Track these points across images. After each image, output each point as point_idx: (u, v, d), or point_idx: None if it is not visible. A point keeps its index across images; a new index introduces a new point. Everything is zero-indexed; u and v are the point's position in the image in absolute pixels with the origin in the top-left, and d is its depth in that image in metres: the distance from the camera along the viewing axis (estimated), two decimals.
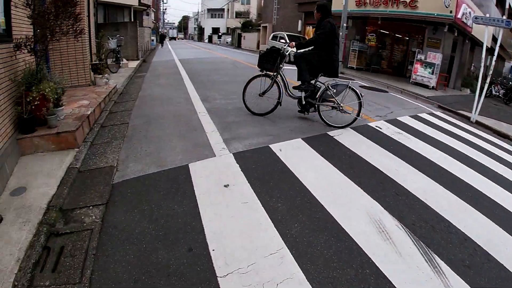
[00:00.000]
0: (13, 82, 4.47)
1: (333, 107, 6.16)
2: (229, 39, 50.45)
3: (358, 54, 18.85)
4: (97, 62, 8.94)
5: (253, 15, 52.10)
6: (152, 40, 33.63)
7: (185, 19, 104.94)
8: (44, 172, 4.01)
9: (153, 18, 57.44)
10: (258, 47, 32.45)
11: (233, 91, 8.55)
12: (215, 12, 69.74)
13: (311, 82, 6.23)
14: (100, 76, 8.64)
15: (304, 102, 6.29)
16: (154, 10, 60.93)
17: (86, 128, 5.40)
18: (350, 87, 5.89)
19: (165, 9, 72.62)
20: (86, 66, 8.29)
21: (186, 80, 10.47)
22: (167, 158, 4.42)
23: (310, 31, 24.12)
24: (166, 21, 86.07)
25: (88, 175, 4.05)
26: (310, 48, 6.37)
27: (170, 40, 74.35)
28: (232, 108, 7.00)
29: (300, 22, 24.70)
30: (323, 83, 6.05)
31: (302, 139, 5.32)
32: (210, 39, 62.33)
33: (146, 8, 30.93)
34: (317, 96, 6.15)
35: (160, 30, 55.48)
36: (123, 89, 9.07)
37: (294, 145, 5.08)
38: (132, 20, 26.99)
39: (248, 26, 40.08)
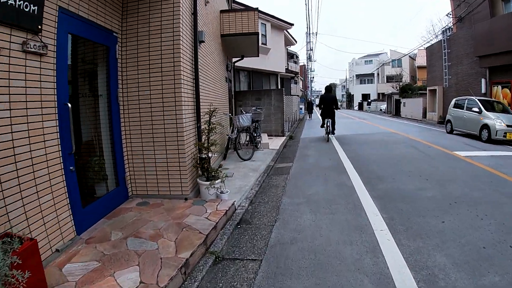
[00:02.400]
0: None
1: None
2: (383, 105, 45.20)
3: None
4: (206, 156, 5.20)
5: (406, 77, 46.51)
6: (300, 109, 31.02)
7: (332, 86, 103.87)
8: None
9: (301, 86, 56.61)
10: (424, 115, 26.60)
11: (485, 256, 3.38)
12: (364, 78, 66.01)
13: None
14: (208, 183, 4.87)
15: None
16: (302, 78, 60.53)
17: None
18: None
19: (313, 77, 72.14)
20: (183, 163, 4.70)
21: (361, 192, 5.73)
22: None
23: (498, 91, 17.71)
24: (313, 89, 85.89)
25: None
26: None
27: (317, 106, 73.67)
28: None
29: (483, 81, 18.43)
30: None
31: None
32: (360, 107, 57.82)
33: (294, 75, 28.66)
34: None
35: (308, 98, 53.93)
36: (247, 207, 5.07)
37: None
38: (279, 87, 24.69)
39: (407, 90, 34.57)
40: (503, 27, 15.76)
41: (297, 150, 11.02)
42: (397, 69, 49.86)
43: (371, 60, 64.09)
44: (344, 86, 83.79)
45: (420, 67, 46.74)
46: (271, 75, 24.03)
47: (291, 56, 41.23)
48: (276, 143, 12.02)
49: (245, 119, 8.67)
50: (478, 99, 14.59)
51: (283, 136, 14.09)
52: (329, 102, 13.24)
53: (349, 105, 71.72)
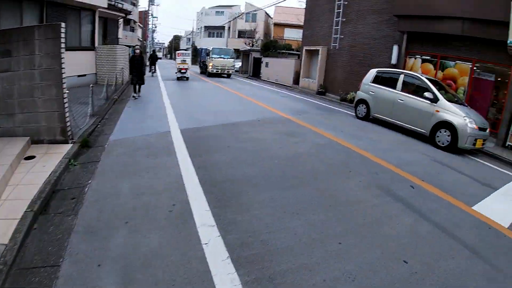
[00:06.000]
0: None
1: None
2: (238, 63, 38.53)
3: None
4: None
5: (260, 34, 41.28)
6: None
7: (177, 39, 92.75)
8: None
9: (139, 35, 46.14)
10: (296, 81, 20.97)
11: None
12: (213, 31, 58.51)
13: None
14: None
15: None
16: (141, 26, 49.53)
17: None
18: None
19: (155, 26, 61.14)
20: None
21: None
22: None
23: (416, 65, 12.99)
24: (155, 40, 74.87)
25: None
26: None
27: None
28: None
29: (396, 49, 13.33)
30: None
31: None
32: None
33: (123, 15, 19.29)
34: None
35: (147, 49, 43.89)
36: None
37: None
38: (98, 31, 15.20)
39: (271, 48, 28.54)
40: None
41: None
42: (251, 24, 44.15)
43: (223, 12, 56.70)
44: (190, 39, 74.77)
45: (277, 24, 42.16)
46: (84, 12, 14.34)
47: None
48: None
49: None
50: (427, 78, 9.24)
51: (67, 143, 5.78)
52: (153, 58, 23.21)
53: (195, 60, 63.46)
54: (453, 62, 11.90)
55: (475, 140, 7.86)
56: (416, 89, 9.23)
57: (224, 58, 25.57)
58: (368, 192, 4.78)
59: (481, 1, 10.29)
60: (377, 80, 10.49)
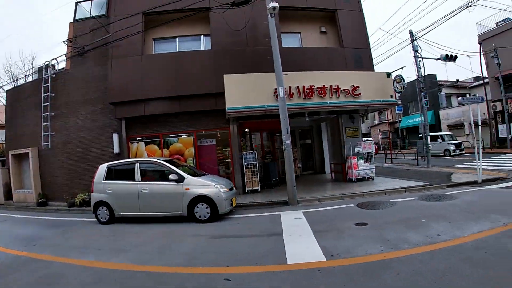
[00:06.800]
0: None
1: None
2: None
3: (252, 168, 11.90)
4: None
5: None
6: None
7: None
8: None
9: None
10: (9, 195, 16.58)
11: None
12: None
13: None
14: None
15: None
16: None
17: None
18: None
19: None
20: None
21: None
22: None
23: (141, 148, 12.87)
24: None
25: None
26: None
27: None
28: None
29: (116, 136, 12.70)
30: None
31: None
32: None
33: None
34: None
35: None
36: None
37: None
38: None
39: None
40: (159, 67, 12.18)
41: None
42: None
43: None
44: None
45: None
46: None
47: None
48: None
49: None
50: (164, 160, 9.17)
51: None
52: None
53: None
54: (176, 138, 12.57)
55: (231, 200, 8.39)
56: (158, 174, 8.83)
57: None
58: None
59: (192, 80, 11.47)
60: (111, 175, 9.19)
